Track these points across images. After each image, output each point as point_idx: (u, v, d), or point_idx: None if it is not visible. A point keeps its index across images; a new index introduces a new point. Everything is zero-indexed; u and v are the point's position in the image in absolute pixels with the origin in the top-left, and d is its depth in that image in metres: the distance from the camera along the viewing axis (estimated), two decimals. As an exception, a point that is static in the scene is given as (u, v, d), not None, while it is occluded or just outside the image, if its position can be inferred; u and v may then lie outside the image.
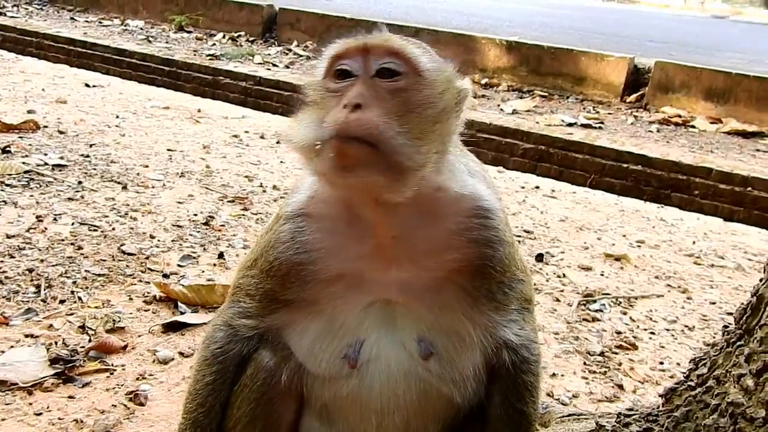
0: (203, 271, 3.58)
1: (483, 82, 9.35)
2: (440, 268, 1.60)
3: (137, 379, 2.65)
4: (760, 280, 1.78)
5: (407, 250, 1.58)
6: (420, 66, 1.51)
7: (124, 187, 4.62)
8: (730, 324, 1.89)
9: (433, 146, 1.47)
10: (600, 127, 7.38)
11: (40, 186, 4.43)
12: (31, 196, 4.24)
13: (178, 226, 4.09)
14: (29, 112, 6.18)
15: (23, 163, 4.75)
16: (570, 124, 7.29)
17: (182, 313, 3.14)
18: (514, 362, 1.68)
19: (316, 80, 1.58)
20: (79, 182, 4.58)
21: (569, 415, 2.37)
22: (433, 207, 1.57)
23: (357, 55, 1.50)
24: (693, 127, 7.84)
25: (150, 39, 10.36)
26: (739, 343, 1.72)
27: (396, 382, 1.62)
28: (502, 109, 7.90)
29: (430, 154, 1.46)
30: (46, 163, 4.84)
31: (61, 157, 5.02)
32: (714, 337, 3.39)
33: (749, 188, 5.61)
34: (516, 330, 1.68)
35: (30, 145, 5.24)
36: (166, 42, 10.28)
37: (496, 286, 1.63)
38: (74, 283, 3.27)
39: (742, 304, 1.82)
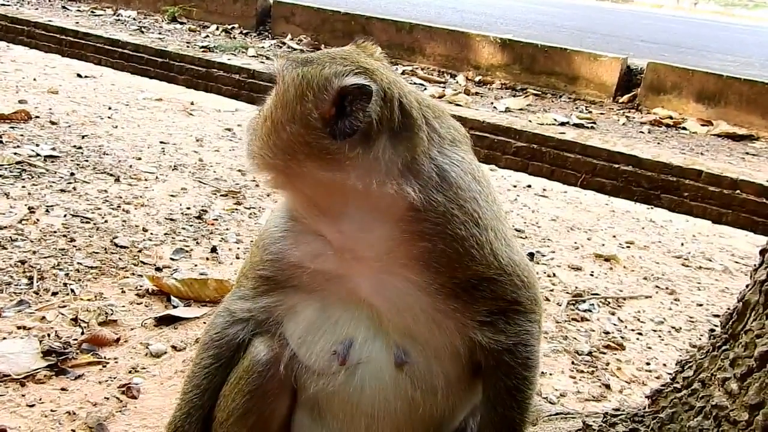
0: (196, 265, 3.59)
1: (476, 79, 9.38)
2: (388, 263, 1.58)
3: (130, 372, 2.66)
4: (747, 285, 1.82)
5: (353, 246, 1.59)
6: (275, 75, 1.61)
7: (117, 180, 4.61)
8: (716, 327, 1.93)
9: (283, 146, 1.55)
10: (592, 127, 7.44)
11: (32, 177, 4.41)
12: (23, 187, 4.22)
13: (171, 220, 4.10)
14: (20, 102, 6.14)
15: (15, 153, 4.73)
16: (562, 124, 7.34)
17: (175, 307, 3.15)
18: (492, 366, 1.64)
19: None
20: (72, 174, 4.56)
21: (557, 414, 2.41)
22: (368, 203, 1.55)
23: None
24: (684, 128, 7.91)
25: (143, 30, 10.29)
26: (724, 347, 1.76)
27: (386, 387, 1.64)
28: (495, 107, 7.93)
29: (279, 151, 1.56)
30: (38, 154, 4.82)
31: (53, 148, 4.99)
32: (700, 339, 3.44)
33: (738, 191, 5.67)
34: (489, 334, 1.61)
35: (21, 135, 5.21)
36: (159, 33, 10.22)
37: (451, 282, 1.57)
38: (67, 275, 3.27)
39: (729, 308, 1.86)
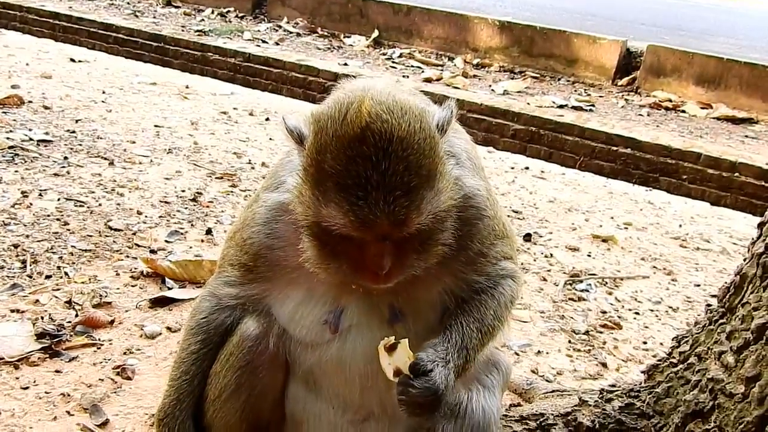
0: (191, 247, 3.56)
1: (475, 62, 9.30)
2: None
3: (124, 353, 2.65)
4: (744, 259, 1.80)
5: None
6: (431, 223, 1.47)
7: (111, 163, 4.57)
8: (713, 304, 1.91)
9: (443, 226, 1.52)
10: (591, 110, 7.39)
11: (26, 161, 4.37)
12: (16, 171, 4.19)
13: (166, 202, 4.07)
14: (13, 87, 6.08)
15: (8, 138, 4.69)
16: (561, 106, 7.29)
17: (170, 289, 3.13)
18: (490, 287, 1.71)
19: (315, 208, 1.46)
20: (65, 158, 4.53)
21: (553, 392, 2.40)
22: None
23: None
24: (683, 111, 7.87)
25: (137, 14, 10.20)
26: (721, 321, 1.75)
27: (378, 344, 1.62)
28: (493, 90, 7.88)
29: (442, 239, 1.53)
30: (31, 139, 4.77)
31: (47, 133, 4.95)
32: (697, 318, 3.43)
33: (737, 174, 5.65)
34: (489, 273, 1.70)
35: (14, 120, 5.16)
36: (154, 17, 10.13)
37: (474, 255, 1.66)
38: (60, 258, 3.25)
39: (726, 283, 1.84)
